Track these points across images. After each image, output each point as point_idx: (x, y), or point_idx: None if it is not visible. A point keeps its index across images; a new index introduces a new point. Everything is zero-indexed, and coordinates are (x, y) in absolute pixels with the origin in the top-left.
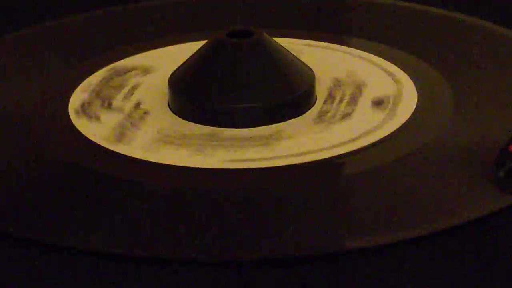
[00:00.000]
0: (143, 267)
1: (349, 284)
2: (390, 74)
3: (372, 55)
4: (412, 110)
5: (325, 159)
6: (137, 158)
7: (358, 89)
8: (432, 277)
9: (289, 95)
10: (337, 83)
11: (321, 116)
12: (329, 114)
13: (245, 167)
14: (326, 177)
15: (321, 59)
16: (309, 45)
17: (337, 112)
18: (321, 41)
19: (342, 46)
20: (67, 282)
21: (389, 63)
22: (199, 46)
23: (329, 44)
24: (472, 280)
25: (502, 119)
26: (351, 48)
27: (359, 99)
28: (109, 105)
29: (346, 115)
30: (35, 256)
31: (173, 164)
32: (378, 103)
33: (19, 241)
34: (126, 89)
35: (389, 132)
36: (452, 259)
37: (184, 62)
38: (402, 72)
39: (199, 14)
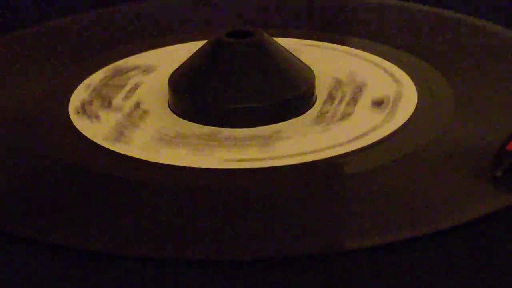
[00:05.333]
0: (142, 267)
1: (349, 284)
2: (390, 74)
3: (372, 55)
4: (412, 110)
5: (324, 159)
6: (136, 158)
7: (358, 89)
8: (432, 277)
9: (289, 95)
10: (337, 83)
11: (321, 116)
12: (329, 114)
13: (244, 167)
14: (326, 177)
15: (321, 59)
16: (309, 45)
17: (337, 112)
18: (321, 41)
19: (342, 46)
20: (66, 282)
21: (388, 63)
22: (199, 46)
23: (329, 44)
24: (472, 280)
25: (502, 119)
26: (351, 48)
27: (359, 99)
28: (109, 105)
29: (346, 115)
30: (35, 256)
31: (172, 163)
32: (378, 103)
33: (18, 241)
34: (126, 89)
35: (389, 132)
36: (452, 259)
37: (184, 62)
38: (402, 72)
39: (199, 14)
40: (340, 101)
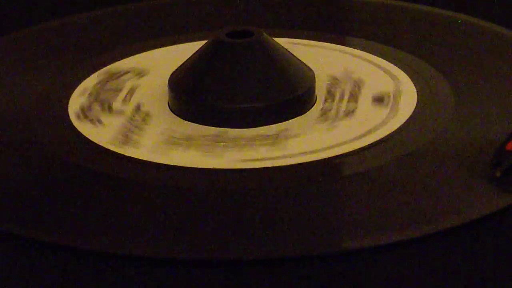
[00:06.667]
0: (144, 267)
1: (349, 284)
2: (389, 74)
3: (372, 55)
4: (412, 110)
5: (324, 159)
6: (144, 160)
7: (358, 88)
8: (432, 277)
9: (289, 95)
10: (337, 83)
11: (324, 115)
12: (331, 112)
13: (247, 166)
14: (326, 177)
15: (321, 59)
16: (308, 45)
17: (339, 110)
18: (320, 40)
19: (342, 46)
20: (67, 282)
21: (388, 63)
22: (199, 46)
23: (329, 44)
24: (472, 280)
25: (502, 119)
26: (351, 48)
27: (359, 98)
28: (109, 108)
29: (348, 113)
30: (35, 256)
31: (182, 165)
32: (379, 99)
33: (19, 241)
34: (125, 91)
35: (389, 132)
36: (452, 259)
37: (184, 62)
38: (401, 72)
39: (199, 14)
40: (341, 100)
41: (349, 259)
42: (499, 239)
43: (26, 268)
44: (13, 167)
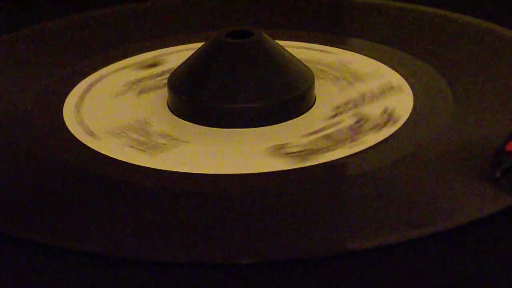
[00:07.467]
0: (143, 270)
1: (349, 284)
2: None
3: (371, 55)
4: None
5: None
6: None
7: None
8: (432, 277)
9: (288, 95)
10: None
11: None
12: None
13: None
14: (327, 178)
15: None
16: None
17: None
18: (320, 41)
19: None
20: (64, 283)
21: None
22: (199, 46)
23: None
24: (472, 280)
25: (501, 119)
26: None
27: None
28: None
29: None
30: (32, 257)
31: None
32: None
33: (16, 241)
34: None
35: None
36: (452, 259)
37: (184, 62)
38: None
39: (199, 14)
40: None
41: (351, 260)
42: (499, 239)
43: (23, 269)
44: (11, 167)
